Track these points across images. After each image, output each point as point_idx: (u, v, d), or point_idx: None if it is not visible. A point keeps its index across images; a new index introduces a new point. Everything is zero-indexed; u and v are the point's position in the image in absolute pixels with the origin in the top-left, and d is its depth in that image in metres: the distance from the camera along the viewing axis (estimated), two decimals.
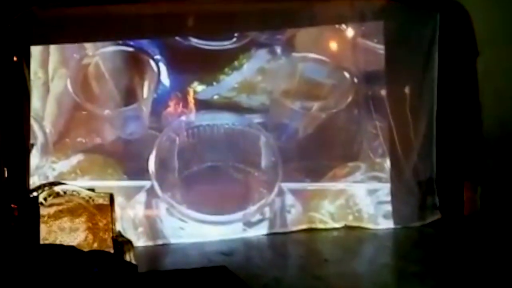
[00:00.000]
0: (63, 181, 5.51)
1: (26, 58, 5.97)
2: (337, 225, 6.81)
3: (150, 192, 6.44)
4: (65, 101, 6.36)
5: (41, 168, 6.27)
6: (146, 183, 6.45)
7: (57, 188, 5.17)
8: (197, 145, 6.59)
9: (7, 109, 5.80)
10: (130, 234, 5.92)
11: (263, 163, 6.73)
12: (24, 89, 5.95)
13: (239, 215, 6.58)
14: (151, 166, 6.45)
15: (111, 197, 5.19)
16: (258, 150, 6.74)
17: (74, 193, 5.14)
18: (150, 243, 6.38)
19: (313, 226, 6.79)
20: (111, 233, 5.05)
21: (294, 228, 6.73)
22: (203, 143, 6.60)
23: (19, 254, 4.29)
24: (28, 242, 4.83)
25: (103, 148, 6.48)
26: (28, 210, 5.07)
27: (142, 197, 6.44)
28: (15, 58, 5.88)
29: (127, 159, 6.50)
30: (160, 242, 6.42)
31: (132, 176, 6.46)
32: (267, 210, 6.68)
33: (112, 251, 4.90)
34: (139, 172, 6.45)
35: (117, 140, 6.53)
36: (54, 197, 5.11)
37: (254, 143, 6.73)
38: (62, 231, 5.00)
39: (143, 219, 6.44)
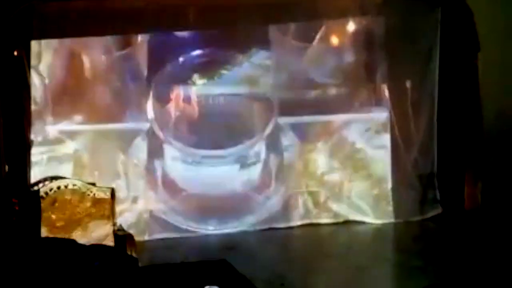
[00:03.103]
0: (64, 176, 5.52)
1: (26, 53, 5.96)
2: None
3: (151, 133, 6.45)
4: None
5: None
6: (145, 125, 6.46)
7: (58, 182, 5.19)
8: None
9: (7, 103, 5.79)
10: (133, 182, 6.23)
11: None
12: (25, 83, 5.94)
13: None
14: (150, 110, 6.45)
15: (112, 191, 5.20)
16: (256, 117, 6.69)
17: (75, 187, 5.15)
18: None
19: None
20: (112, 227, 5.07)
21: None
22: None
23: (20, 249, 4.31)
24: (29, 237, 4.84)
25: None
26: (29, 204, 5.08)
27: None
28: (15, 53, 5.87)
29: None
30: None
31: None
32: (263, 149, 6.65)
33: (113, 244, 4.91)
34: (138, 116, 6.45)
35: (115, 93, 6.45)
36: (55, 191, 5.12)
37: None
38: None
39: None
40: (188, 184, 6.57)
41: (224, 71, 6.70)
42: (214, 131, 6.59)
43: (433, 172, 6.91)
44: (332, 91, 6.87)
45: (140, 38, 6.53)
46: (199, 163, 6.60)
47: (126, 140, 6.44)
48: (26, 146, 5.93)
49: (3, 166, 5.66)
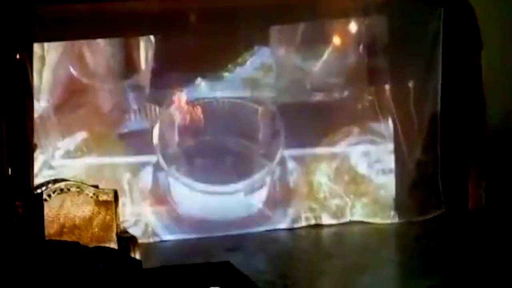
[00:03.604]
0: (67, 178, 5.52)
1: (29, 56, 5.96)
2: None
3: (157, 166, 6.45)
4: (62, 73, 6.31)
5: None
6: (152, 158, 6.46)
7: (60, 185, 5.18)
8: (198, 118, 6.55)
9: (10, 106, 5.80)
10: (139, 205, 6.18)
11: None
12: (27, 86, 5.94)
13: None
14: (155, 139, 6.44)
15: (115, 194, 5.20)
16: (262, 124, 6.66)
17: (78, 189, 5.15)
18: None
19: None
20: (116, 229, 5.06)
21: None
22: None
23: (23, 251, 4.30)
24: (32, 239, 4.83)
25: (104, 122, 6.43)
26: (32, 207, 5.08)
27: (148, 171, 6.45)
28: (17, 56, 5.87)
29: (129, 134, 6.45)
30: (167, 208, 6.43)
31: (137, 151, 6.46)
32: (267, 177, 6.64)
33: (116, 247, 4.91)
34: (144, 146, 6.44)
35: (117, 114, 6.46)
36: (58, 194, 5.12)
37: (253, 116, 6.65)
38: None
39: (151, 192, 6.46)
40: (190, 208, 6.53)
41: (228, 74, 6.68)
42: (222, 166, 6.56)
43: (437, 173, 6.90)
44: (334, 93, 6.87)
45: (144, 65, 6.53)
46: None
47: (132, 168, 6.45)
48: (29, 148, 5.93)
49: (6, 169, 5.66)
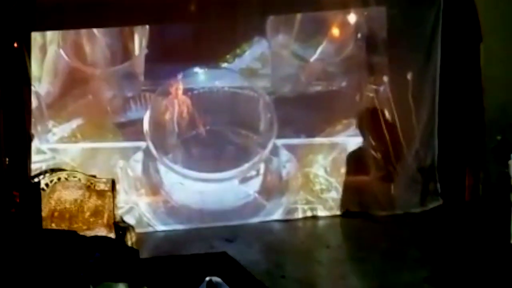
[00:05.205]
0: (64, 168, 5.52)
1: (26, 45, 5.95)
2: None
3: (147, 152, 6.43)
4: (62, 63, 6.29)
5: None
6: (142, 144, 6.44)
7: (58, 174, 5.18)
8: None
9: (8, 96, 5.78)
10: (131, 193, 6.16)
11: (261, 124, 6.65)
12: (25, 75, 5.93)
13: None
14: (146, 126, 6.41)
15: (113, 183, 5.20)
16: (256, 112, 6.65)
17: (76, 179, 5.15)
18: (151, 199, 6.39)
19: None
20: (113, 218, 5.07)
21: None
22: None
23: (21, 240, 4.30)
24: (30, 228, 4.84)
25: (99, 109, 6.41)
26: (29, 196, 5.07)
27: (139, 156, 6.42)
28: (15, 45, 5.85)
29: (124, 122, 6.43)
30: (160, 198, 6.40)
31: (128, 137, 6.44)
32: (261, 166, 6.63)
33: (113, 236, 4.91)
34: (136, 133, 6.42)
35: (113, 100, 6.44)
36: (56, 183, 5.12)
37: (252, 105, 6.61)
38: None
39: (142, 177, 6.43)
40: (183, 197, 6.49)
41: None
42: (212, 153, 6.53)
43: (434, 164, 6.90)
44: (332, 84, 6.85)
45: (137, 51, 6.51)
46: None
47: (125, 153, 6.43)
48: (26, 138, 5.92)
49: (4, 159, 5.65)
